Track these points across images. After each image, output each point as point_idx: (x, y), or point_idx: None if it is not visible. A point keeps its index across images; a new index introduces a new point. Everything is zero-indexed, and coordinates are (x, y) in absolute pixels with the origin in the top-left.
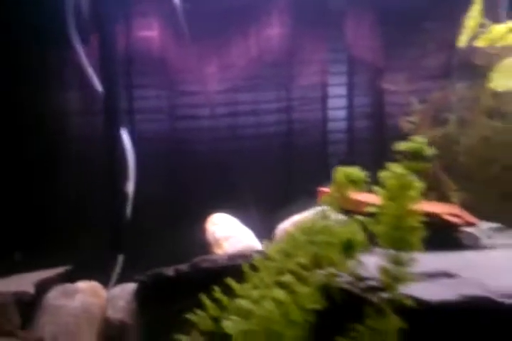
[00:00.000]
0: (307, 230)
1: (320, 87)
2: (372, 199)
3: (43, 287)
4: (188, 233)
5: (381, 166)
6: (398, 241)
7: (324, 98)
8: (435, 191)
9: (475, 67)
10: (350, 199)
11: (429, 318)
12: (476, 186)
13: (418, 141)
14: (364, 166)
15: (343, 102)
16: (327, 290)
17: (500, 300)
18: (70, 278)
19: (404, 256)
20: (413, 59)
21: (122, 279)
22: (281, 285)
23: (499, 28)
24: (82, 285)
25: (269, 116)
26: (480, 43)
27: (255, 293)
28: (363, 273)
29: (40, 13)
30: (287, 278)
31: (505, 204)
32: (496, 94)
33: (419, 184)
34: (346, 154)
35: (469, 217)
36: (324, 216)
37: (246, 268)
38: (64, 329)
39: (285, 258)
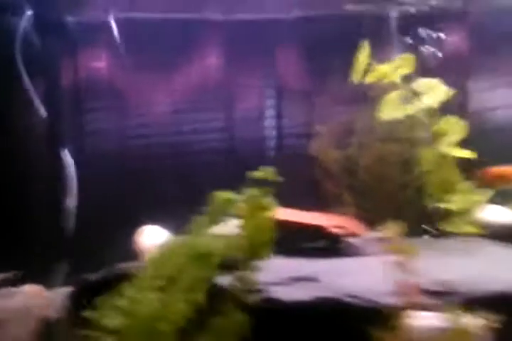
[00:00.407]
0: (175, 243)
1: (254, 110)
2: None
3: None
4: (126, 243)
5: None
6: (252, 252)
7: (259, 119)
8: (340, 206)
9: (370, 98)
10: None
11: (281, 316)
12: (373, 201)
13: (267, 170)
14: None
15: (274, 123)
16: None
17: (347, 300)
18: (20, 283)
19: (255, 264)
20: (334, 85)
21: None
22: (159, 288)
23: (382, 68)
24: (25, 288)
25: (208, 135)
26: (369, 79)
27: (138, 295)
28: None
29: None
30: (160, 282)
31: (398, 216)
32: (386, 122)
33: (271, 204)
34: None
35: (357, 228)
36: (198, 231)
37: (137, 273)
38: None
39: (160, 266)
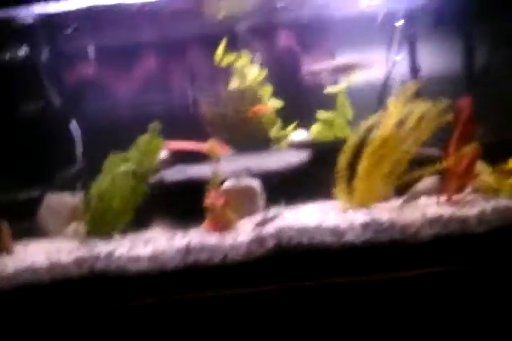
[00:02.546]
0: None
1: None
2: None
3: None
4: None
5: None
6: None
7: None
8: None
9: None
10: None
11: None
12: (233, 133)
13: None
14: None
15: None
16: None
17: (196, 177)
18: None
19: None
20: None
21: None
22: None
23: (230, 56)
24: None
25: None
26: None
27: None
28: None
29: None
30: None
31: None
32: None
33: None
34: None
35: (222, 150)
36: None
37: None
38: None
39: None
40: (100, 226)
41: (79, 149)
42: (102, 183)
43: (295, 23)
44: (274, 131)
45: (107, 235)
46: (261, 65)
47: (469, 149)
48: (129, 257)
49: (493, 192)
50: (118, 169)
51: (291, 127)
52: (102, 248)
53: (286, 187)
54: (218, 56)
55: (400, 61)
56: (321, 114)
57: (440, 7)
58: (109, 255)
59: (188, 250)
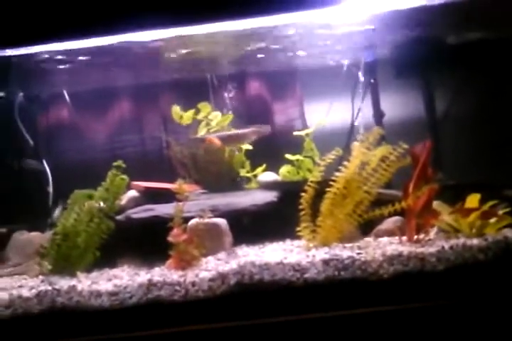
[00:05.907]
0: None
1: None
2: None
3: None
4: None
5: None
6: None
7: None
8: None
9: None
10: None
11: (133, 225)
12: (203, 174)
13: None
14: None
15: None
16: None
17: (163, 216)
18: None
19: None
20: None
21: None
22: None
23: (188, 114)
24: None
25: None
26: (184, 121)
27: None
28: None
29: None
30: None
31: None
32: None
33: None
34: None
35: (190, 189)
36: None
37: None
38: None
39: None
40: (65, 264)
41: (50, 188)
42: (66, 220)
43: (265, 72)
44: (243, 172)
45: (70, 273)
46: (228, 110)
47: (426, 190)
48: (90, 292)
49: (453, 231)
50: (82, 206)
51: (260, 168)
52: (63, 283)
53: (254, 226)
54: (176, 117)
55: (366, 108)
56: (289, 156)
57: (401, 58)
58: (71, 290)
59: (149, 286)
